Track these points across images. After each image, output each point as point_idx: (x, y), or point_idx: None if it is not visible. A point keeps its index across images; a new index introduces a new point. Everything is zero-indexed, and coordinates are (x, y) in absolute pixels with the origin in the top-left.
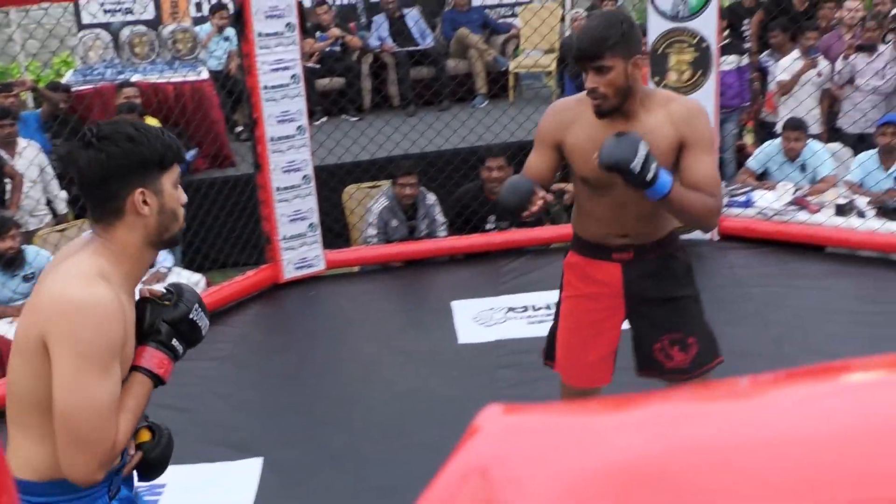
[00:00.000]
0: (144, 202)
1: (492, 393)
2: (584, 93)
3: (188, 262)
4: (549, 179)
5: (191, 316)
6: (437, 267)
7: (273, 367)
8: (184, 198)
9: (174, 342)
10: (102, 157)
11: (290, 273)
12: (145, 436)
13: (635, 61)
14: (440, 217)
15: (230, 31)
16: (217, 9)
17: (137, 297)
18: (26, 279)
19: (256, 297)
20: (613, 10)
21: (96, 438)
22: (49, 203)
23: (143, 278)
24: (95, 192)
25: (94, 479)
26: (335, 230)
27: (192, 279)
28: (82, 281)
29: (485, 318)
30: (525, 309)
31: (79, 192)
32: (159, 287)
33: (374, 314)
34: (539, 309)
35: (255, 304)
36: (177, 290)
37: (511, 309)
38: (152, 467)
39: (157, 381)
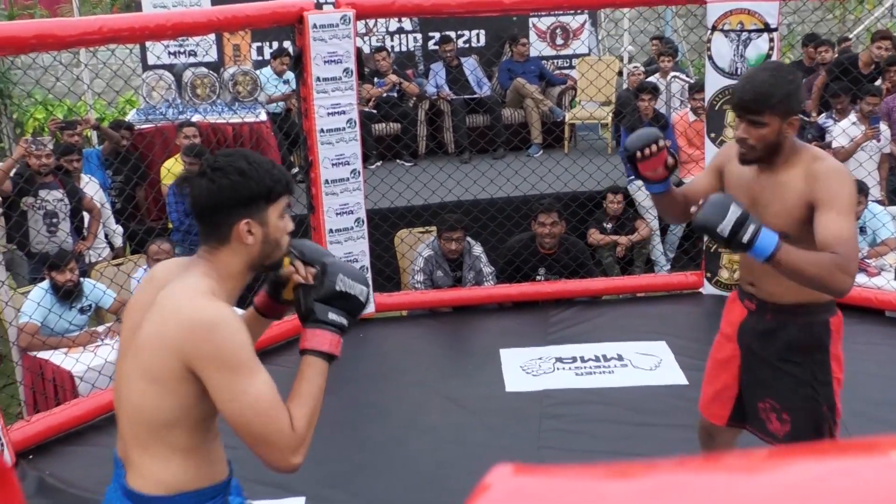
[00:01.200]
0: (249, 232)
1: (537, 443)
2: None
3: (239, 302)
4: (701, 192)
5: (338, 288)
6: (485, 314)
7: (325, 416)
8: (290, 226)
9: (331, 316)
10: (214, 187)
11: None
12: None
13: (791, 121)
14: (487, 268)
15: (289, 75)
16: (278, 54)
17: (288, 285)
18: (82, 311)
19: None
20: (783, 64)
21: (271, 431)
22: (107, 237)
23: None
24: (205, 218)
25: (293, 466)
26: (386, 273)
27: None
28: (205, 301)
29: (532, 368)
30: (573, 360)
31: (193, 216)
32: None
33: (421, 359)
34: (587, 361)
35: None
36: (322, 268)
37: (559, 359)
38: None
39: (327, 357)
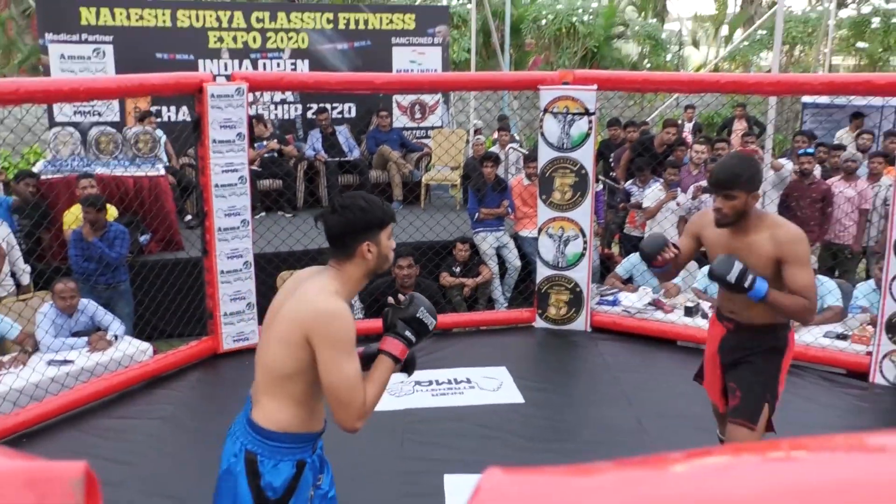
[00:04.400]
0: (369, 251)
1: (400, 455)
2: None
3: (139, 332)
4: (685, 257)
5: (418, 315)
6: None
7: (210, 428)
8: (394, 244)
9: (407, 333)
10: (343, 220)
11: (228, 345)
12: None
13: (754, 195)
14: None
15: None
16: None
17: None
18: None
19: (198, 364)
20: (746, 154)
21: (350, 399)
22: (14, 275)
23: (92, 339)
24: (337, 243)
25: (355, 428)
26: None
27: (140, 347)
28: (331, 296)
29: (396, 390)
30: (430, 383)
31: (327, 242)
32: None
33: None
34: (441, 383)
35: (197, 371)
36: (410, 298)
37: (418, 382)
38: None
39: (395, 360)
